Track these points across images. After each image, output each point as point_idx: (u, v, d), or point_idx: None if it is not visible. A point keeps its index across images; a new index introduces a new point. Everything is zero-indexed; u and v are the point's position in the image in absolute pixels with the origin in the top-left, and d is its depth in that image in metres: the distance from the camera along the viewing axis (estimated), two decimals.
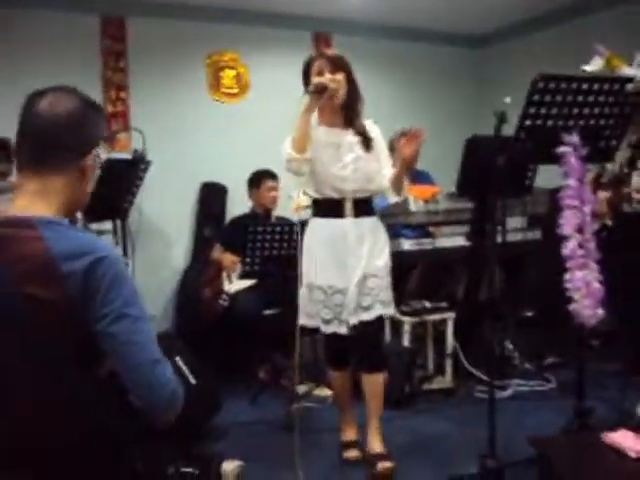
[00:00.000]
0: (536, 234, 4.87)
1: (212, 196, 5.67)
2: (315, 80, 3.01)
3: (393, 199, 3.31)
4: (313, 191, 3.21)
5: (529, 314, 5.45)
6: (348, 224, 3.14)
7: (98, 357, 1.52)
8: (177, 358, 3.80)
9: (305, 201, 4.35)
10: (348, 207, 3.14)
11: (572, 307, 2.74)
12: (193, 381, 3.76)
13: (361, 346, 3.25)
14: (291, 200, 4.41)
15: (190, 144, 5.60)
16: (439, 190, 4.55)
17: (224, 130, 5.74)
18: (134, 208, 4.48)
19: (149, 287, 5.16)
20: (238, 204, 5.44)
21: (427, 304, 4.40)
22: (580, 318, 2.74)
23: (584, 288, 2.72)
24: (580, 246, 2.74)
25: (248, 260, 4.16)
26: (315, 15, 5.99)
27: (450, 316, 4.40)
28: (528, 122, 2.67)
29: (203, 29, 5.65)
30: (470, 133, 4.43)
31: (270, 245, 4.13)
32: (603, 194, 4.07)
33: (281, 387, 4.51)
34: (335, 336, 3.22)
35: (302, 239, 3.23)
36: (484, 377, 4.38)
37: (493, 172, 2.81)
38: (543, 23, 6.21)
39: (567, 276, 2.75)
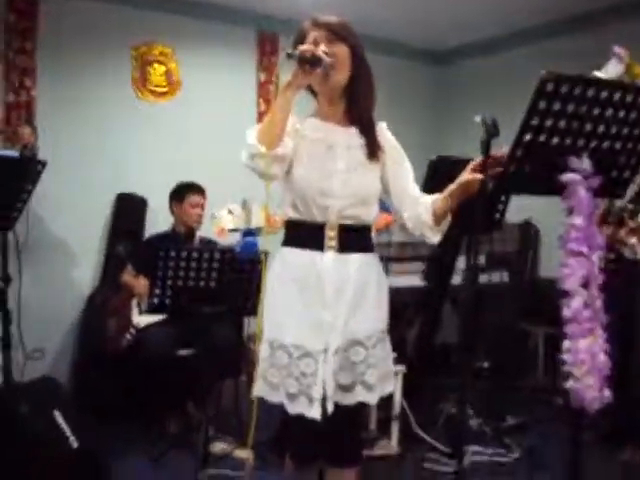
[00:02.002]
0: (503, 276, 4.22)
1: (129, 209, 4.86)
2: (304, 46, 2.10)
3: (434, 238, 2.31)
4: (289, 206, 2.24)
5: (485, 365, 4.83)
6: (326, 261, 2.19)
7: None
8: (56, 413, 3.01)
9: (231, 223, 3.62)
10: (330, 235, 2.19)
11: (570, 385, 2.06)
12: (75, 444, 2.97)
13: (332, 434, 2.28)
14: (215, 220, 3.69)
15: (106, 147, 4.81)
16: (393, 219, 3.83)
17: (148, 133, 4.97)
18: (25, 218, 3.68)
19: (43, 314, 4.37)
20: (159, 220, 4.67)
21: None
22: (580, 401, 2.06)
23: (589, 362, 2.05)
24: (585, 305, 2.07)
25: (157, 291, 3.38)
26: (262, 12, 5.29)
27: (399, 370, 3.69)
28: (528, 137, 1.99)
29: (131, 16, 4.86)
30: (431, 153, 3.82)
31: (185, 274, 3.35)
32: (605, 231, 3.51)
33: (193, 444, 3.73)
34: (303, 420, 2.16)
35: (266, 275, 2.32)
36: (436, 444, 3.72)
37: (473, 201, 2.14)
38: (510, 42, 5.86)
39: (566, 344, 2.07)
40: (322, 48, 2.14)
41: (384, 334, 2.32)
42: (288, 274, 2.22)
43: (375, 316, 2.28)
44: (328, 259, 2.19)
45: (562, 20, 5.30)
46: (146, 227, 4.89)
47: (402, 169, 2.33)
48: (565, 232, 2.09)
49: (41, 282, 4.45)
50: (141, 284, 4.01)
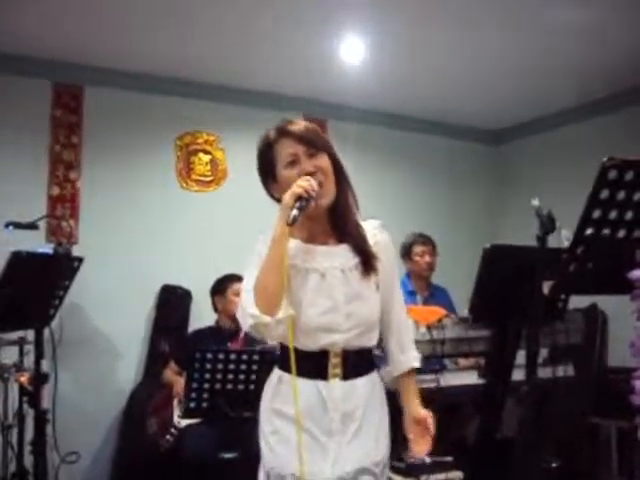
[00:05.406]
0: (567, 369, 3.87)
1: (173, 302, 4.73)
2: (298, 188, 1.82)
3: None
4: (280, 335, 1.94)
5: (554, 465, 4.43)
6: (332, 391, 1.93)
7: None
8: None
9: None
10: (334, 363, 1.94)
11: None
12: None
13: None
14: None
15: (151, 239, 4.73)
16: (446, 313, 3.56)
17: (193, 224, 4.87)
18: (64, 312, 3.60)
19: (80, 414, 4.20)
20: (203, 314, 4.48)
21: (427, 458, 3.37)
22: None
23: None
24: None
25: (194, 395, 3.17)
26: (309, 97, 5.22)
27: (457, 476, 3.37)
28: (590, 230, 1.76)
29: (175, 106, 4.85)
30: (487, 239, 3.63)
31: (223, 377, 3.14)
32: None
33: None
34: None
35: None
36: None
37: (532, 302, 1.91)
38: (565, 119, 5.69)
39: None
40: (307, 165, 1.90)
41: (387, 457, 2.04)
42: (286, 403, 1.95)
43: (380, 440, 2.02)
44: (334, 389, 1.93)
45: (620, 93, 5.10)
46: (190, 321, 4.74)
47: (392, 297, 2.08)
48: (636, 338, 1.84)
49: (80, 380, 4.31)
50: (182, 382, 3.82)
